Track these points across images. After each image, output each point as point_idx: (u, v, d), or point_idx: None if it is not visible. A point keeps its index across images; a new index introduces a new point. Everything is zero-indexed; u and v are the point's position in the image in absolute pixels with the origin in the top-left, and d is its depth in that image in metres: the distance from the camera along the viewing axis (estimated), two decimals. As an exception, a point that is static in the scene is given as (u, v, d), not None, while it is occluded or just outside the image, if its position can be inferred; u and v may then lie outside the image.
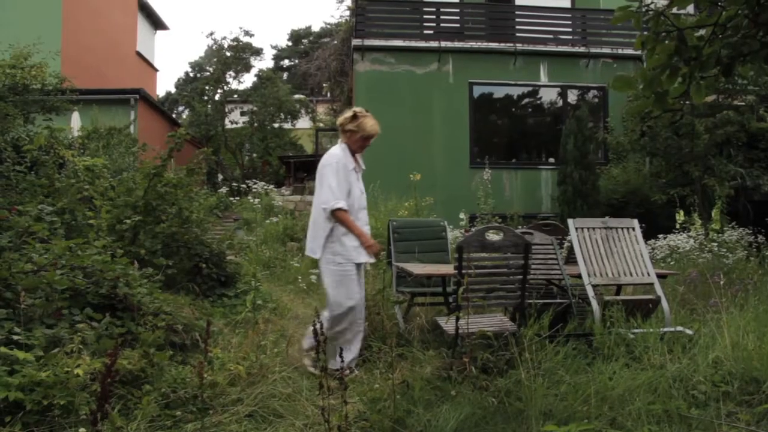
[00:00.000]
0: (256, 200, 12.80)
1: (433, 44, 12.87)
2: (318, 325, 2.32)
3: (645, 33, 2.39)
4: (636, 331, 3.80)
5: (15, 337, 2.71)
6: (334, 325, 3.80)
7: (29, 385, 2.46)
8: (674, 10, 2.31)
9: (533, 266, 4.47)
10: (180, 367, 3.21)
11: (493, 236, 3.75)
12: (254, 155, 21.79)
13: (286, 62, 37.91)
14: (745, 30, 2.19)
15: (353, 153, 4.04)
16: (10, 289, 3.09)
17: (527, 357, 3.19)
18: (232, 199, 13.75)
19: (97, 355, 2.85)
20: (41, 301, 3.13)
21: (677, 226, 7.93)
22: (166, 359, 3.16)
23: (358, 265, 3.93)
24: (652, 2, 2.47)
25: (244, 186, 14.37)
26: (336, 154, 3.98)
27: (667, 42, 2.31)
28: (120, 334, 3.18)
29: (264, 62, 51.19)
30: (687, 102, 2.20)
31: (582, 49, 13.24)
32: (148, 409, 2.64)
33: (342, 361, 2.50)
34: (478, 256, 3.69)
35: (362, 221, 4.03)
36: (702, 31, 2.32)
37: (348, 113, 4.05)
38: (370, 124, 3.97)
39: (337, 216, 3.81)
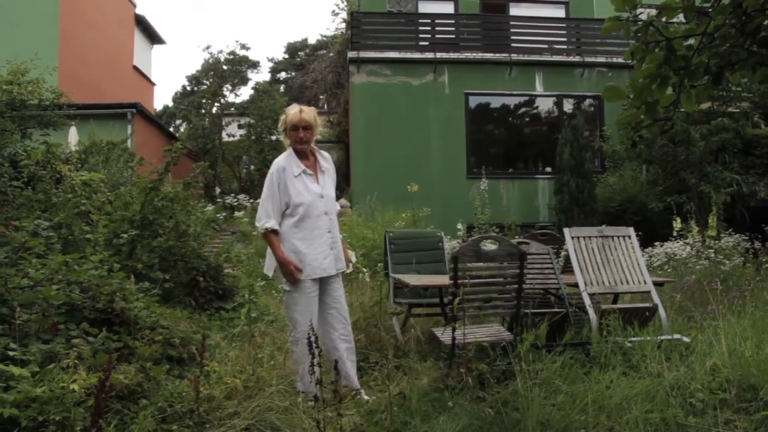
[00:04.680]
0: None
1: (429, 55, 12.95)
2: (313, 337, 2.32)
3: (634, 43, 2.41)
4: (633, 339, 3.79)
5: (11, 353, 2.70)
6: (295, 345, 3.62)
7: (25, 401, 2.45)
8: (663, 20, 2.33)
9: (530, 276, 4.48)
10: (177, 381, 3.20)
11: (488, 246, 3.73)
12: (252, 168, 21.81)
13: (282, 75, 38.10)
14: (732, 39, 2.21)
15: (300, 155, 3.77)
16: (6, 305, 3.08)
17: (524, 367, 3.19)
18: (229, 213, 13.75)
19: (93, 370, 2.84)
20: (37, 317, 3.12)
21: (674, 233, 7.94)
22: (162, 373, 3.15)
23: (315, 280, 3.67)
24: (641, 12, 2.49)
25: (240, 198, 14.38)
26: (277, 160, 3.75)
27: (656, 51, 2.33)
28: (116, 349, 3.17)
29: (261, 75, 51.47)
30: (681, 110, 2.20)
31: (577, 59, 13.34)
32: (144, 423, 2.62)
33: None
34: (473, 265, 3.66)
35: (322, 228, 3.67)
36: (691, 40, 2.34)
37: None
38: (292, 112, 3.74)
39: (265, 238, 3.66)
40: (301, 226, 3.63)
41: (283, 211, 3.66)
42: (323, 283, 3.71)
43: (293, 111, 3.74)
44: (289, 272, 3.56)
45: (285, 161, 3.72)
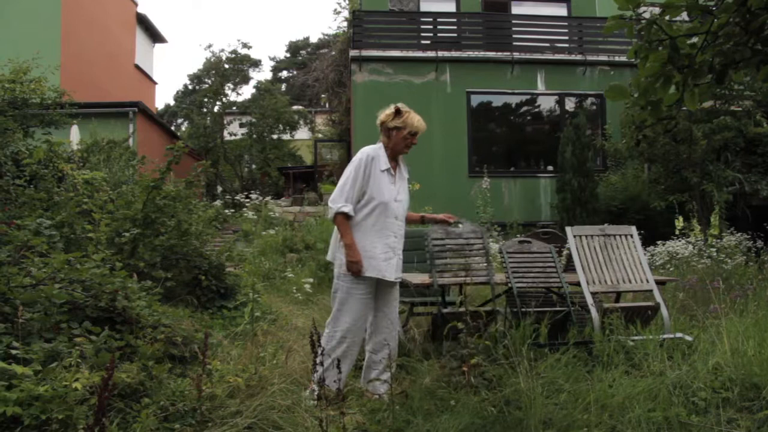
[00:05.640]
0: (253, 212, 12.82)
1: (431, 54, 12.94)
2: (315, 337, 2.32)
3: (638, 41, 2.41)
4: (635, 338, 3.79)
5: (13, 352, 2.71)
6: (329, 341, 3.52)
7: (27, 399, 2.45)
8: (667, 18, 2.32)
9: (532, 274, 4.48)
10: (179, 380, 3.20)
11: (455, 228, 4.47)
12: (253, 167, 21.84)
13: (284, 73, 38.11)
14: (736, 38, 2.21)
15: (392, 155, 3.70)
16: (8, 304, 3.09)
17: (526, 365, 3.19)
18: (231, 210, 13.77)
19: (95, 368, 2.84)
20: (40, 315, 3.12)
21: (676, 232, 7.93)
22: (165, 372, 3.16)
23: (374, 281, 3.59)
24: (644, 11, 2.48)
25: (242, 198, 14.40)
26: (367, 149, 3.62)
27: (660, 50, 2.33)
28: (119, 348, 3.18)
29: (262, 74, 51.55)
30: (684, 108, 2.21)
31: (579, 57, 13.32)
32: (146, 422, 2.63)
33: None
34: (446, 240, 4.41)
35: (389, 230, 3.60)
36: (695, 39, 2.33)
37: (388, 110, 3.70)
38: (417, 119, 3.65)
39: (335, 221, 3.52)
40: (370, 223, 3.56)
41: (359, 200, 3.56)
42: (379, 286, 3.65)
43: (418, 118, 3.67)
44: (355, 259, 3.46)
45: (376, 153, 3.63)
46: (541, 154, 13.50)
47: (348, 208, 3.49)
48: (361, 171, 3.54)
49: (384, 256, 3.56)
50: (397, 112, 3.66)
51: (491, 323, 3.99)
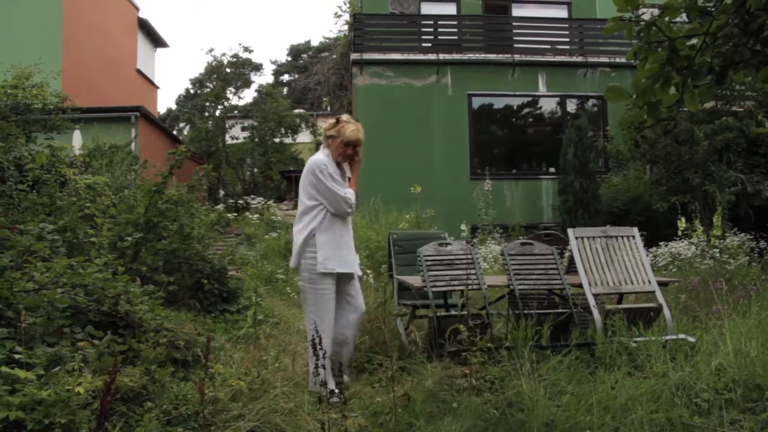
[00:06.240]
0: (256, 216, 12.84)
1: (432, 57, 12.95)
2: (317, 339, 2.32)
3: (637, 43, 2.41)
4: (638, 339, 3.79)
5: (16, 356, 2.71)
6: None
7: (30, 404, 2.45)
8: (666, 20, 2.32)
9: (534, 276, 4.49)
10: (182, 384, 3.21)
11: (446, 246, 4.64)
12: (255, 170, 21.89)
13: (285, 77, 38.19)
14: (735, 39, 2.21)
15: (336, 162, 3.84)
16: (11, 308, 3.10)
17: (529, 367, 3.19)
18: (233, 214, 13.78)
19: (98, 372, 2.85)
20: (42, 320, 3.13)
21: (679, 233, 7.92)
22: (167, 376, 3.16)
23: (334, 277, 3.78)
24: (644, 12, 2.49)
25: (242, 202, 14.44)
26: (319, 159, 3.77)
27: (659, 51, 2.33)
28: (121, 352, 3.18)
29: (264, 78, 51.63)
30: (685, 109, 2.21)
31: (580, 59, 13.32)
32: (149, 426, 2.63)
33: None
34: (437, 255, 4.55)
35: (348, 229, 3.89)
36: (694, 40, 2.34)
37: (332, 119, 3.91)
38: (351, 129, 3.78)
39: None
40: (341, 222, 3.79)
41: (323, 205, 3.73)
42: (341, 281, 3.81)
43: (352, 128, 3.80)
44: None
45: (327, 161, 3.79)
46: (543, 156, 13.50)
47: (350, 193, 3.77)
48: (328, 173, 3.71)
49: (350, 252, 3.84)
50: (336, 122, 3.85)
51: (487, 327, 4.10)
